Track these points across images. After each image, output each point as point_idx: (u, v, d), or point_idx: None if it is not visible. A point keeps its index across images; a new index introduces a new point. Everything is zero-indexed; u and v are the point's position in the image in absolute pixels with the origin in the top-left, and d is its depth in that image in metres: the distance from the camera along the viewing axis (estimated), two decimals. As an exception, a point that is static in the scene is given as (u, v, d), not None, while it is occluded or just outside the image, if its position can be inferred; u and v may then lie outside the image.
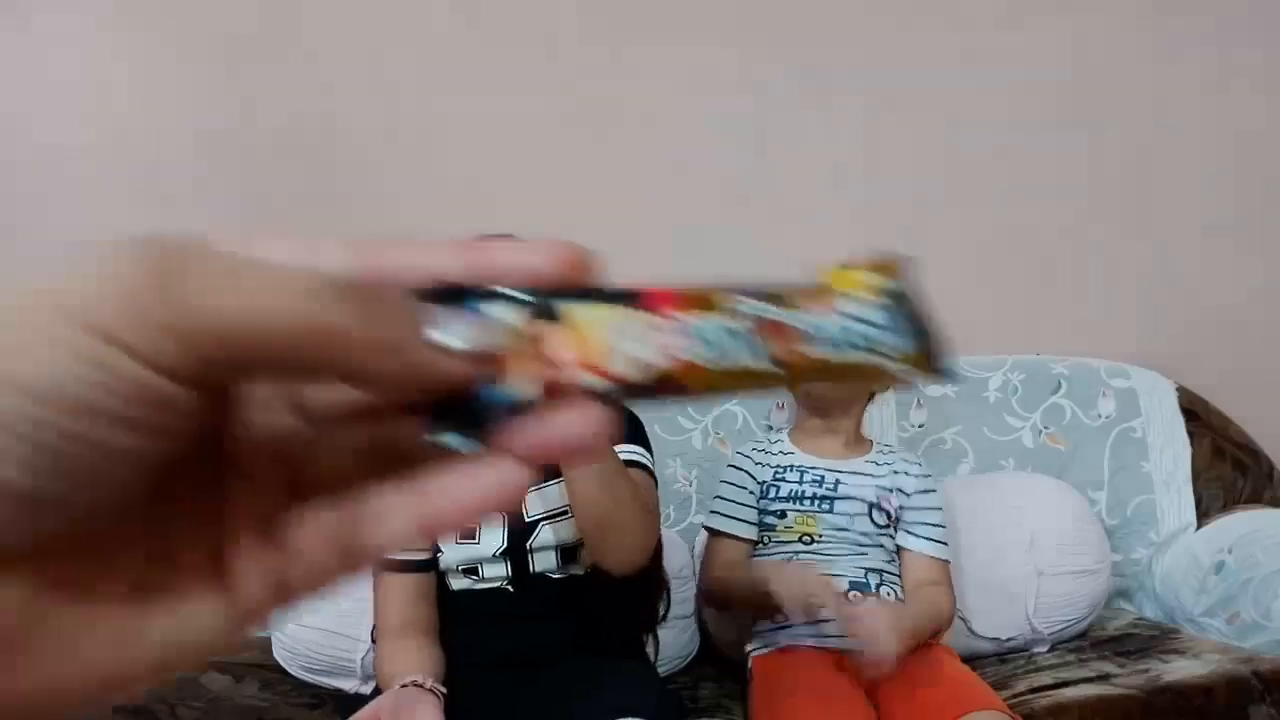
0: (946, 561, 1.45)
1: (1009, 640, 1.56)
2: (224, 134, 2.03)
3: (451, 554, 1.27)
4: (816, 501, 1.45)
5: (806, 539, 1.44)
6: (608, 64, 2.04)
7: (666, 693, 1.34)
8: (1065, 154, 2.06)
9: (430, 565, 1.29)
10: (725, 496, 1.50)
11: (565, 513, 1.28)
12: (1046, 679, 1.41)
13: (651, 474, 1.34)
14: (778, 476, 1.49)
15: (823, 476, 1.47)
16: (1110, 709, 1.29)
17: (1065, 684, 1.37)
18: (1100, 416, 1.82)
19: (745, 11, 2.04)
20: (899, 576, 1.45)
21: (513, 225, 1.34)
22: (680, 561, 1.57)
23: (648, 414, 1.53)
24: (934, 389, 1.82)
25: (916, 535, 1.45)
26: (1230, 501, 1.80)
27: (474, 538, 1.27)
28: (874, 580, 1.42)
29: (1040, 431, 1.80)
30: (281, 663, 1.56)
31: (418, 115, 2.04)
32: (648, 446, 1.37)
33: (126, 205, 2.04)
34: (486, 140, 2.04)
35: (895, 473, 1.49)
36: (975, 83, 2.04)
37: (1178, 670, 1.37)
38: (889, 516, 1.45)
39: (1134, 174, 2.06)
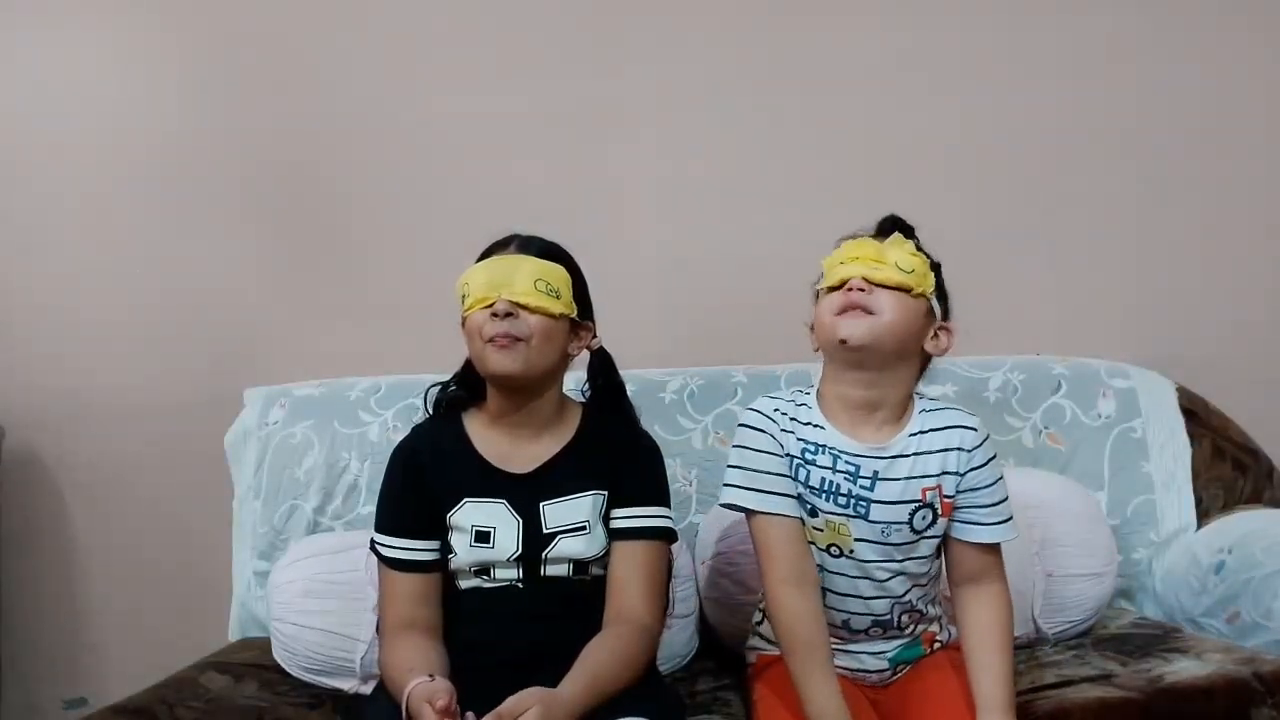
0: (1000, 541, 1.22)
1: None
2: (224, 134, 2.03)
3: (465, 556, 1.27)
4: (852, 503, 1.19)
5: (835, 550, 1.22)
6: (607, 64, 2.04)
7: (669, 692, 1.34)
8: (1066, 153, 2.06)
9: (436, 565, 1.28)
10: (755, 468, 1.21)
11: (583, 528, 1.27)
12: (1049, 677, 1.41)
13: (673, 535, 1.32)
14: (807, 456, 1.21)
15: (858, 467, 1.19)
16: (1111, 712, 1.29)
17: (1068, 683, 1.37)
18: (1100, 416, 1.82)
19: (746, 11, 2.04)
20: (928, 579, 1.26)
21: (514, 224, 1.34)
22: (681, 561, 1.57)
23: (648, 414, 1.53)
24: (933, 388, 1.82)
25: (969, 523, 1.21)
26: (1230, 501, 1.80)
27: (489, 541, 1.26)
28: (898, 613, 1.25)
29: (1040, 431, 1.80)
30: (281, 663, 1.55)
31: (419, 116, 2.04)
32: (667, 492, 1.35)
33: (127, 205, 2.04)
34: (488, 140, 2.03)
35: (945, 450, 1.20)
36: (976, 81, 2.04)
37: (1179, 670, 1.36)
38: (935, 513, 1.20)
39: (1134, 174, 2.06)
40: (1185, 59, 2.05)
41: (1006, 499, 1.22)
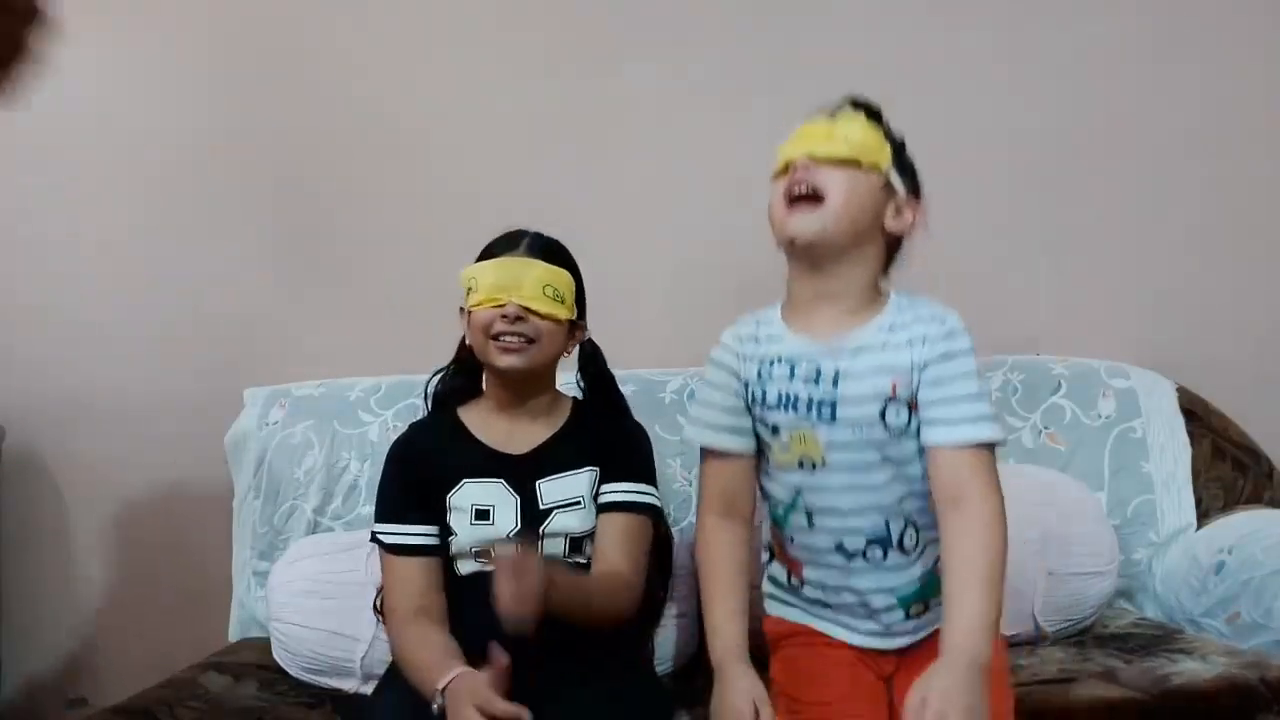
0: (986, 446, 1.06)
1: (1011, 636, 1.55)
2: (224, 135, 2.03)
3: (465, 536, 1.29)
4: (814, 408, 1.10)
5: (808, 464, 1.12)
6: (608, 64, 2.04)
7: (657, 686, 1.39)
8: (1066, 154, 2.06)
9: (437, 550, 1.30)
10: (707, 401, 1.20)
11: (578, 503, 1.31)
12: (1051, 670, 1.41)
13: (658, 512, 1.36)
14: (763, 374, 1.15)
15: (819, 369, 1.10)
16: (1114, 713, 1.29)
17: (1071, 678, 1.37)
18: (1100, 416, 1.82)
19: (748, 10, 2.04)
20: (925, 497, 1.11)
21: (514, 224, 1.34)
22: (681, 560, 1.57)
23: (648, 414, 1.53)
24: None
25: (935, 421, 1.07)
26: (1230, 501, 1.80)
27: (489, 519, 1.29)
28: (896, 529, 1.12)
29: (1040, 431, 1.80)
30: (281, 663, 1.56)
31: (419, 115, 2.03)
32: (653, 473, 1.38)
33: (128, 205, 2.04)
34: (488, 140, 2.03)
35: (911, 341, 1.09)
36: (976, 80, 2.04)
37: (1184, 672, 1.36)
38: (909, 409, 1.08)
39: (1134, 174, 2.06)
40: (1185, 59, 2.05)
41: (982, 396, 1.07)
